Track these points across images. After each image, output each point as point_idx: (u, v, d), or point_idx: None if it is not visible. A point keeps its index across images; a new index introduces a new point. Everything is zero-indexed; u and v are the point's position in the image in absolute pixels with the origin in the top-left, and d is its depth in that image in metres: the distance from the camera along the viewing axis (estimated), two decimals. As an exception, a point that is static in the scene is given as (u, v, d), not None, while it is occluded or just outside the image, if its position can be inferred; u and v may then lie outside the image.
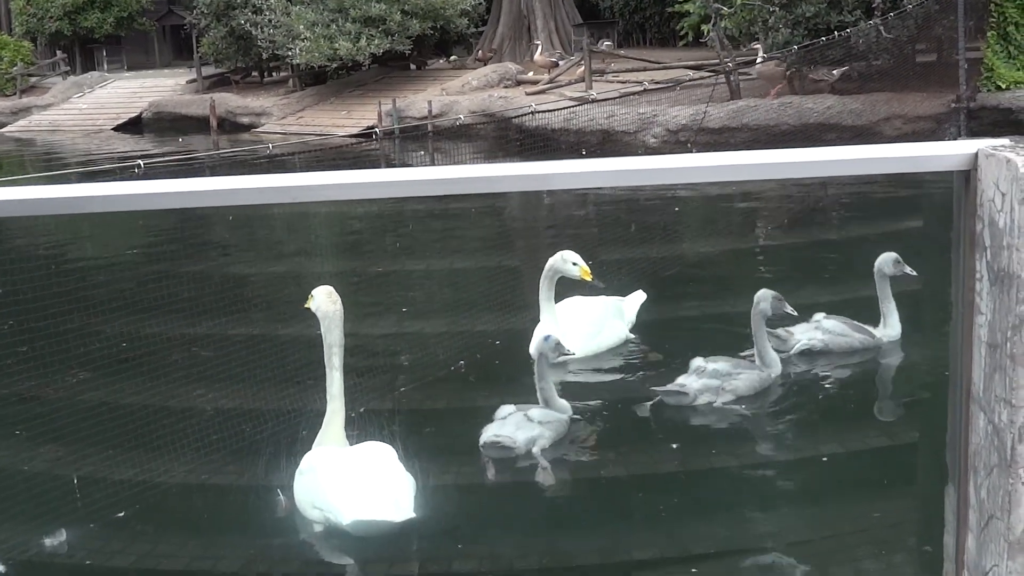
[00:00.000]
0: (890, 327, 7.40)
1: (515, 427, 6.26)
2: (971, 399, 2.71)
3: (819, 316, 7.52)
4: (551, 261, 7.60)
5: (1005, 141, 2.68)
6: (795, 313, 7.16)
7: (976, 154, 2.65)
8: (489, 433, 6.21)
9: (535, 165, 3.00)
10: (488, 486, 5.93)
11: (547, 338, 6.64)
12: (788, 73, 20.26)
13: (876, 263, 7.35)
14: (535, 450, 6.14)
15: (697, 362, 6.92)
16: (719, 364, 6.90)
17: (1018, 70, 18.32)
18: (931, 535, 3.07)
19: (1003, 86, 17.97)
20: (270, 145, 10.58)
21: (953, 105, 17.58)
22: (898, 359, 7.36)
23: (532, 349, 7.01)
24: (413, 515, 5.12)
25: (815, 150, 2.86)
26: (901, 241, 11.15)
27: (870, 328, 7.43)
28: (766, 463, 6.19)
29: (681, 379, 6.88)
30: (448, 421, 6.91)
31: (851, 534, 5.24)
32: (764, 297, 6.98)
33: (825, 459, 6.04)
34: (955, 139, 17.12)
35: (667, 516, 5.51)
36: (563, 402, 6.65)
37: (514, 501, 5.88)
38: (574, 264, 7.52)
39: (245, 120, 29.36)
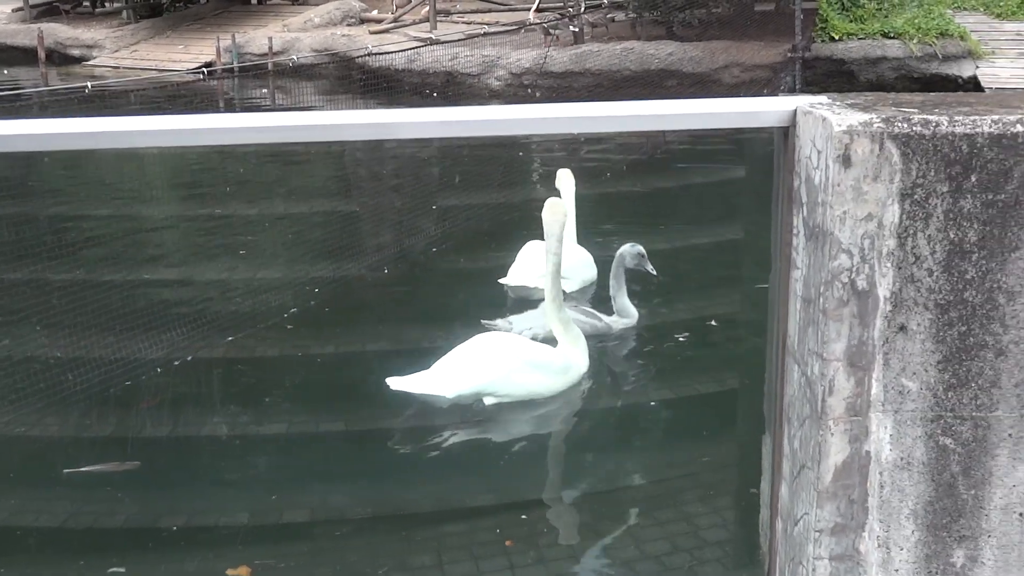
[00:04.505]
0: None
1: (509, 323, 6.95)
2: (786, 352, 2.77)
3: None
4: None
5: (823, 99, 2.72)
6: None
7: (795, 111, 2.68)
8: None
9: (379, 113, 2.92)
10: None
11: (633, 245, 7.02)
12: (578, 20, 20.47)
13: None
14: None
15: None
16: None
17: (851, 22, 18.81)
18: (756, 481, 3.14)
19: (836, 37, 18.42)
20: (88, 84, 10.08)
21: (789, 55, 17.96)
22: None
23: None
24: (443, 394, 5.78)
25: (641, 104, 2.86)
26: (734, 191, 11.41)
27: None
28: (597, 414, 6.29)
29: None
30: (276, 370, 6.77)
31: (681, 478, 5.38)
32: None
33: (654, 405, 6.17)
34: (791, 88, 17.58)
35: (504, 465, 5.54)
36: (630, 308, 7.10)
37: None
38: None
39: (76, 52, 28.03)
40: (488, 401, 6.03)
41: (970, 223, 2.38)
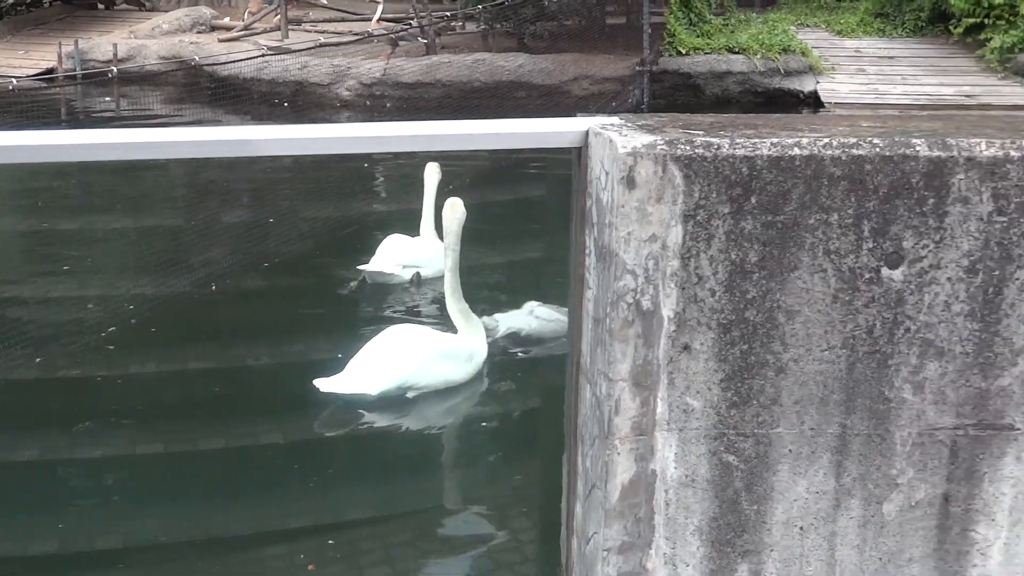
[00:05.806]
0: None
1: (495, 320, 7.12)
2: (580, 371, 2.79)
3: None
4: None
5: (615, 120, 2.74)
6: None
7: (587, 132, 2.70)
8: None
9: (233, 130, 2.83)
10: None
11: None
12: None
13: None
14: None
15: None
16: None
17: (698, 37, 19.23)
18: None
19: (684, 51, 18.79)
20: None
21: (638, 68, 18.24)
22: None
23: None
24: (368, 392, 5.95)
25: (441, 124, 2.85)
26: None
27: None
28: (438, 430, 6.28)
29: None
30: (89, 390, 6.51)
31: (499, 496, 5.40)
32: None
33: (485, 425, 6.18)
34: (638, 101, 17.84)
35: (314, 484, 5.44)
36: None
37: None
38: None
39: (-92, 56, 26.91)
40: (410, 394, 6.22)
41: (751, 244, 2.42)
